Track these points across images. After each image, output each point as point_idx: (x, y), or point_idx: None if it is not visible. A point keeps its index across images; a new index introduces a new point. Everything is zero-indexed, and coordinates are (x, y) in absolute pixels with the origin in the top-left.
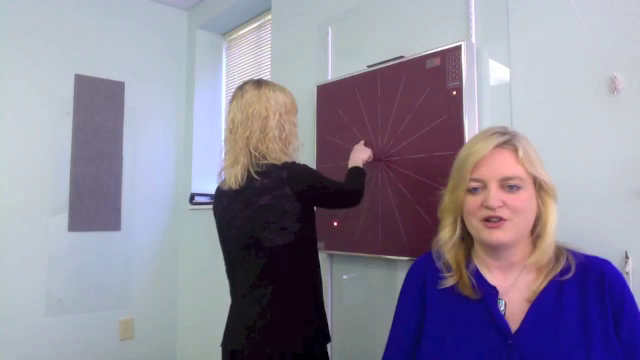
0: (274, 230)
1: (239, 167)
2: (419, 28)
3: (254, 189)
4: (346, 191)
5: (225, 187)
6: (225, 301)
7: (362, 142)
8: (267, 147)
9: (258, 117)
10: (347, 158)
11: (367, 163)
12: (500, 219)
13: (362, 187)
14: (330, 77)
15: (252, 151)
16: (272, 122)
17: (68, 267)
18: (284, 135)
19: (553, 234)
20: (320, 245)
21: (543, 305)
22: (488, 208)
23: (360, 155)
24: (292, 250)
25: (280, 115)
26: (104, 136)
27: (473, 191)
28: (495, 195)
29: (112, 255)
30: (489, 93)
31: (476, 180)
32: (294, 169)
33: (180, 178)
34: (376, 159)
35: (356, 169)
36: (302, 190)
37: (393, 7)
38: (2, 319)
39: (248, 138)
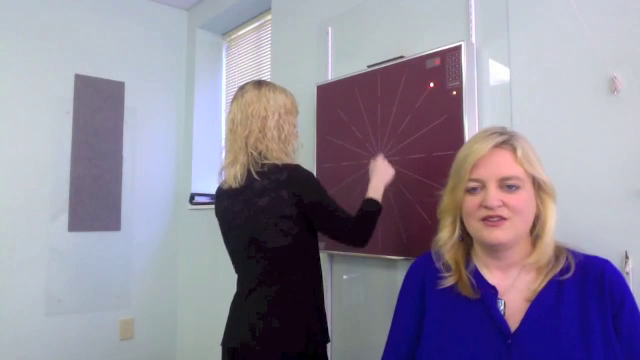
0: (273, 232)
1: (238, 166)
2: (419, 28)
3: (254, 190)
4: (351, 227)
5: (225, 186)
6: (225, 301)
7: (381, 155)
8: (266, 147)
9: (257, 117)
10: (347, 158)
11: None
12: (500, 218)
13: (370, 227)
14: (330, 77)
15: (251, 151)
16: (271, 122)
17: (68, 267)
18: (283, 135)
19: (552, 234)
20: (320, 245)
21: (543, 305)
22: (487, 208)
23: (383, 177)
24: (292, 251)
25: (279, 115)
26: (104, 136)
27: (472, 191)
28: (494, 195)
29: (112, 255)
30: (489, 93)
31: (475, 180)
32: (295, 173)
33: (180, 178)
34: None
35: (372, 204)
36: (299, 197)
37: (393, 7)
38: (2, 319)
39: (247, 137)
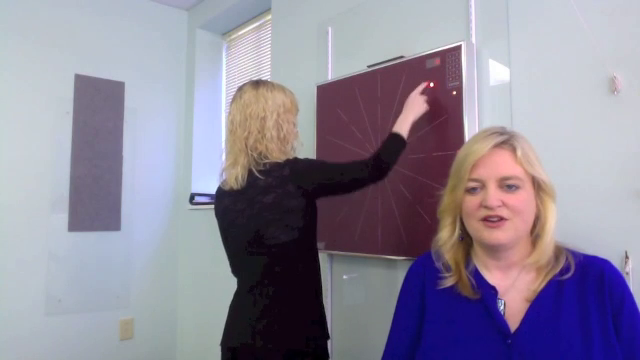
0: (279, 227)
1: (239, 167)
2: (419, 28)
3: (258, 188)
4: (357, 178)
5: (226, 187)
6: (225, 301)
7: (422, 86)
8: (266, 147)
9: (256, 118)
10: (347, 158)
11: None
12: (500, 218)
13: (388, 164)
14: (330, 77)
15: (251, 152)
16: (270, 122)
17: (68, 267)
18: (282, 135)
19: (552, 234)
20: (320, 245)
21: (542, 305)
22: (487, 208)
23: (411, 112)
24: (295, 247)
25: (278, 115)
26: (104, 136)
27: (472, 191)
28: (494, 195)
29: (112, 255)
30: (489, 93)
31: (475, 180)
32: (295, 165)
33: (180, 178)
34: None
35: (393, 139)
36: (305, 186)
37: (393, 7)
38: (2, 319)
39: (247, 139)
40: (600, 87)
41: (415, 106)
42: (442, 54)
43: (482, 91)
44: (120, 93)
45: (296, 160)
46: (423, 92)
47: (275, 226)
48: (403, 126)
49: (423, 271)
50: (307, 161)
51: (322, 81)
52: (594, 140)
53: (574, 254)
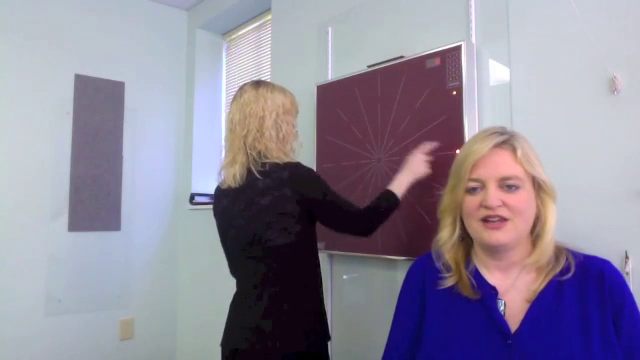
0: (276, 230)
1: (237, 166)
2: (419, 28)
3: (256, 189)
4: (353, 215)
5: (224, 186)
6: (225, 301)
7: (428, 146)
8: (265, 147)
9: (255, 117)
10: (347, 158)
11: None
12: (501, 219)
13: (379, 220)
14: (330, 77)
15: (249, 150)
16: (269, 122)
17: (68, 267)
18: (281, 135)
19: (552, 234)
20: (320, 245)
21: (543, 305)
22: (487, 208)
23: (413, 172)
24: (293, 250)
25: (277, 115)
26: (104, 136)
27: (472, 191)
28: (494, 195)
29: (112, 255)
30: (489, 93)
31: (475, 180)
32: (296, 170)
33: (180, 178)
34: (376, 159)
35: (388, 197)
36: (302, 194)
37: (393, 7)
38: (2, 319)
39: (245, 137)
40: (600, 87)
41: (418, 167)
42: (442, 54)
43: (482, 91)
44: (120, 93)
45: (298, 165)
46: (428, 153)
47: (272, 228)
48: (400, 187)
49: (423, 271)
50: (309, 170)
51: (322, 81)
52: (594, 140)
53: (574, 254)
